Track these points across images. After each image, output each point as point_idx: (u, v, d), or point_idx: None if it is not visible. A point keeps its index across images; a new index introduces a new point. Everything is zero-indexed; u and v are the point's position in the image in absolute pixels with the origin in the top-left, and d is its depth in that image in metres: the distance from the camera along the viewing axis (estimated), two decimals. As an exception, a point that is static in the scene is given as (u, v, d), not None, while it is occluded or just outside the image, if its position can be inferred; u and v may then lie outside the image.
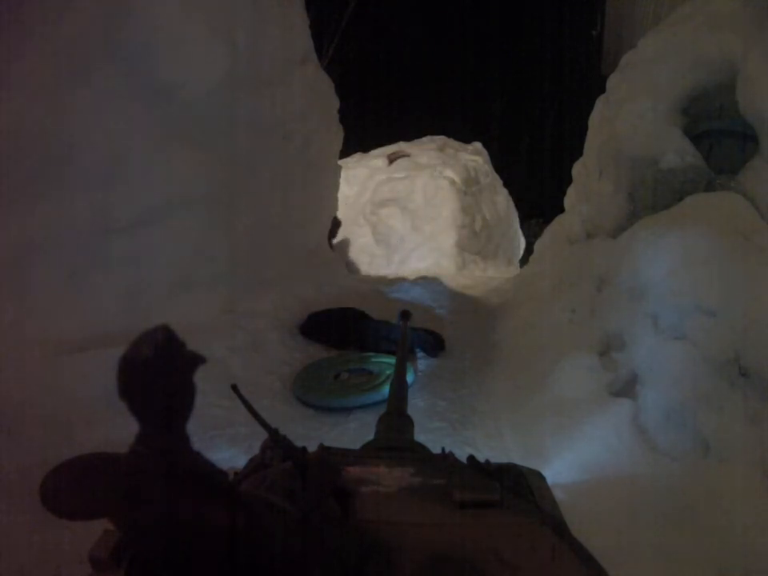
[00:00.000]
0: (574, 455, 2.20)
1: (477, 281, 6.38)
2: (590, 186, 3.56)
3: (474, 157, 8.89)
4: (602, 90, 3.68)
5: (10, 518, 1.61)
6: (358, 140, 8.17)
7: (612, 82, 3.52)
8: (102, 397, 2.10)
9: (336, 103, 5.19)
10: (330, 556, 0.49)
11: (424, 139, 9.05)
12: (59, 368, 2.30)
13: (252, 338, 3.39)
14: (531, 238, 8.97)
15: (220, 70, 3.17)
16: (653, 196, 2.83)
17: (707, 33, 2.76)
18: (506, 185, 9.54)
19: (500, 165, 9.58)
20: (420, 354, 3.75)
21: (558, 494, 0.89)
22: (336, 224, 7.07)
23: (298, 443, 0.63)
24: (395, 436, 1.17)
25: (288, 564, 0.46)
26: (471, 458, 0.82)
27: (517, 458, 2.34)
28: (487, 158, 9.27)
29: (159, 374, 0.45)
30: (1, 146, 2.21)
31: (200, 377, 0.48)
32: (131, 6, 2.64)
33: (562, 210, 4.42)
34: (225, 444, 2.38)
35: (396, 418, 1.28)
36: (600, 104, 3.72)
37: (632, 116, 2.97)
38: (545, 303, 3.45)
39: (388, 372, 3.13)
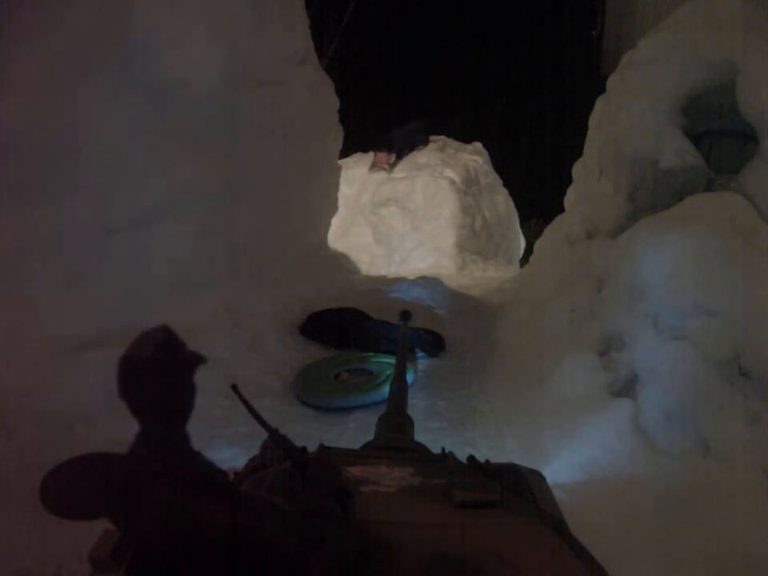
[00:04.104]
0: (573, 455, 2.21)
1: (477, 281, 6.38)
2: (590, 186, 3.56)
3: (474, 157, 8.89)
4: (602, 89, 3.68)
5: (10, 518, 1.61)
6: (358, 140, 8.17)
7: (612, 82, 3.51)
8: (101, 397, 2.10)
9: (336, 103, 5.19)
10: (330, 556, 0.49)
11: (424, 139, 9.04)
12: (59, 368, 2.30)
13: (252, 338, 3.40)
14: (531, 238, 8.96)
15: (220, 70, 3.17)
16: (653, 196, 2.83)
17: (707, 33, 2.76)
18: (506, 185, 9.53)
19: (500, 165, 9.58)
20: (420, 354, 3.75)
21: (558, 494, 0.89)
22: None
23: (298, 443, 0.62)
24: (395, 436, 1.17)
25: (288, 564, 0.46)
26: (471, 457, 0.82)
27: (517, 457, 2.34)
28: (487, 158, 9.26)
29: (159, 374, 0.45)
30: (1, 146, 2.21)
31: (200, 377, 0.48)
32: (131, 5, 2.64)
33: (561, 210, 4.42)
34: (225, 444, 2.38)
35: (396, 418, 1.28)
36: (600, 104, 3.72)
37: (632, 116, 2.97)
38: (545, 303, 3.45)
39: (388, 372, 3.13)
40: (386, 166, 8.33)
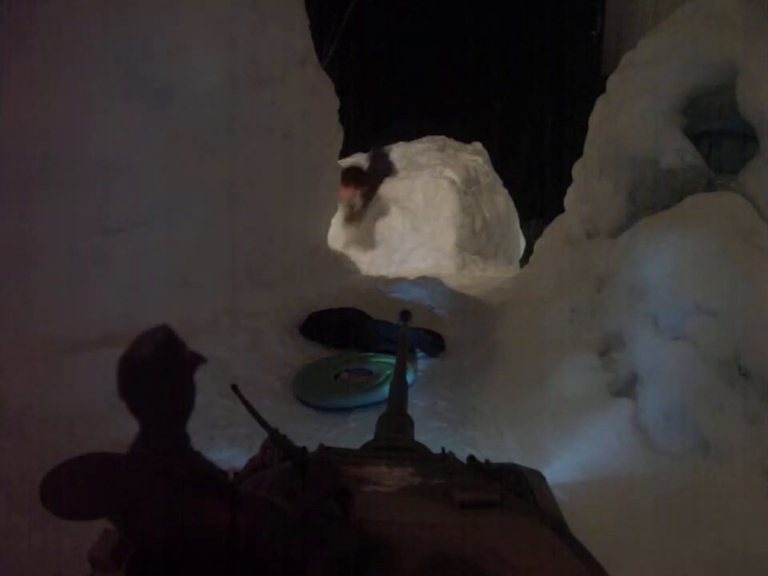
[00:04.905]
0: (573, 455, 2.21)
1: (477, 281, 6.38)
2: (590, 186, 3.56)
3: (474, 157, 8.89)
4: (602, 89, 3.68)
5: (10, 518, 1.61)
6: (358, 140, 8.17)
7: (612, 82, 3.51)
8: (102, 397, 2.10)
9: (336, 103, 5.19)
10: (330, 556, 0.49)
11: (424, 139, 9.05)
12: (59, 368, 2.30)
13: (252, 337, 3.39)
14: (531, 238, 8.97)
15: (220, 70, 3.16)
16: (653, 196, 2.83)
17: (707, 33, 2.76)
18: (506, 185, 9.54)
19: (500, 165, 9.58)
20: (420, 354, 3.75)
21: (558, 494, 0.89)
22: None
23: (298, 443, 0.63)
24: (395, 436, 1.17)
25: (288, 564, 0.46)
26: (471, 457, 0.82)
27: (517, 457, 2.34)
28: (487, 157, 9.26)
29: (159, 374, 0.45)
30: (1, 146, 2.21)
31: (200, 377, 0.48)
32: (132, 5, 2.64)
33: (561, 210, 4.42)
34: (225, 444, 2.38)
35: (396, 418, 1.28)
36: (600, 104, 3.72)
37: (632, 116, 2.97)
38: (545, 303, 3.45)
39: (388, 372, 3.13)
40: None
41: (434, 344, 3.82)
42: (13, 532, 1.59)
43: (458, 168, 8.26)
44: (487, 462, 0.82)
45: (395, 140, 9.05)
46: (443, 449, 0.94)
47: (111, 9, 2.56)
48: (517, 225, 10.01)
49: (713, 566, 1.61)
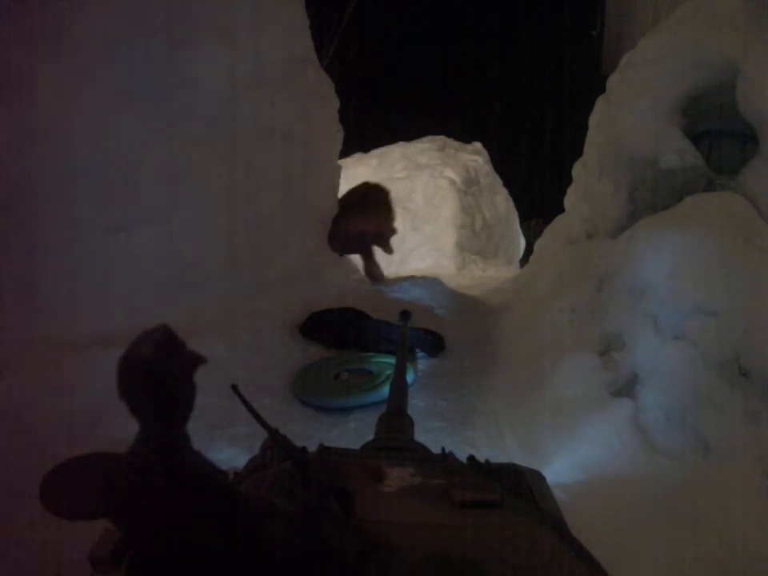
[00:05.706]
0: (573, 455, 2.21)
1: (477, 281, 6.39)
2: (590, 186, 3.56)
3: (474, 157, 8.89)
4: (602, 90, 3.68)
5: (10, 518, 1.61)
6: (358, 140, 8.17)
7: (612, 82, 3.51)
8: (102, 397, 2.10)
9: (336, 103, 5.19)
10: (330, 556, 0.49)
11: (424, 139, 9.05)
12: (59, 368, 2.30)
13: (252, 337, 3.39)
14: (531, 238, 8.98)
15: (220, 70, 3.17)
16: (653, 196, 2.83)
17: (707, 33, 2.76)
18: (506, 185, 9.54)
19: (500, 165, 9.59)
20: (420, 354, 3.74)
21: (558, 494, 0.89)
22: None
23: (298, 443, 0.63)
24: (395, 436, 1.17)
25: (288, 564, 0.46)
26: (471, 457, 0.82)
27: (517, 457, 2.34)
28: (487, 157, 9.27)
29: (159, 374, 0.45)
30: (2, 146, 2.21)
31: (200, 377, 0.48)
32: (132, 6, 2.64)
33: (561, 210, 4.42)
34: (225, 444, 2.38)
35: (396, 418, 1.28)
36: (600, 104, 3.72)
37: (632, 116, 2.97)
38: (545, 303, 3.45)
39: (388, 372, 3.13)
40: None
41: (434, 344, 3.82)
42: (13, 532, 1.59)
43: (458, 168, 8.27)
44: (487, 462, 0.82)
45: (395, 140, 9.06)
46: (443, 449, 0.93)
47: (111, 9, 2.56)
48: (517, 225, 10.02)
49: (713, 566, 1.61)
